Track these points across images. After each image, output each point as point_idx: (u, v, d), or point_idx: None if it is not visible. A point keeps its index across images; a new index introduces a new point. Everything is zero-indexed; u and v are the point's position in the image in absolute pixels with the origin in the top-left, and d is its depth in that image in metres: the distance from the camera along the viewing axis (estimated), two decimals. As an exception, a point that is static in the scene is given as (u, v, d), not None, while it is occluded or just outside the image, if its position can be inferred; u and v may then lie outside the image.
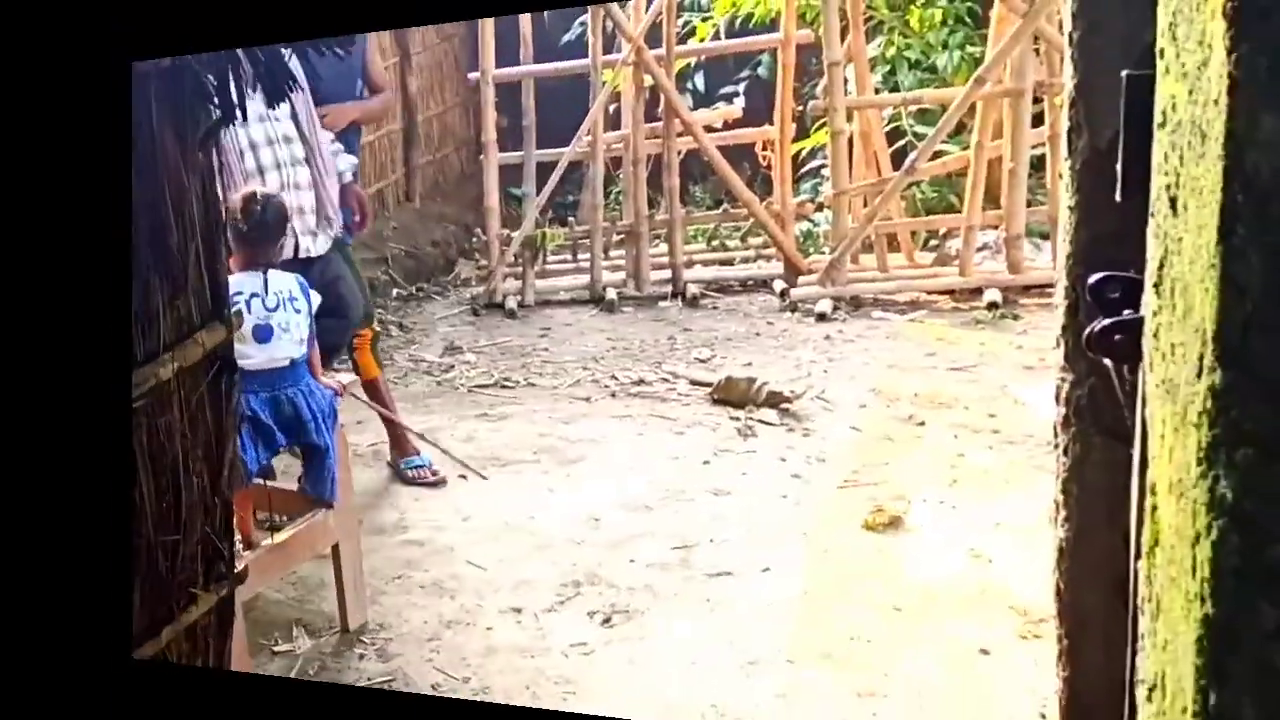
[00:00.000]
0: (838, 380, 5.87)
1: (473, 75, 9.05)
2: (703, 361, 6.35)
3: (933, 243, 8.08)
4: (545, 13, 10.34)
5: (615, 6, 8.23)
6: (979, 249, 7.25)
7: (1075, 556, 2.17)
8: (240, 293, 4.01)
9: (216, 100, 2.57)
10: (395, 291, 9.01)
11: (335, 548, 4.23)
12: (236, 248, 4.07)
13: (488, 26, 8.49)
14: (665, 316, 7.48)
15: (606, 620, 4.02)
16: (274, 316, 4.14)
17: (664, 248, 8.24)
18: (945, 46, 8.53)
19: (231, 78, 2.53)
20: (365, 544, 4.48)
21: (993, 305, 6.73)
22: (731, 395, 5.63)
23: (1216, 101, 1.04)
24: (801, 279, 7.38)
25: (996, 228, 7.24)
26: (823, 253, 7.78)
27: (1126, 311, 1.61)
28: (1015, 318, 6.66)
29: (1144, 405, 1.41)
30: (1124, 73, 1.54)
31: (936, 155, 7.36)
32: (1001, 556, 4.08)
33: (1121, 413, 1.73)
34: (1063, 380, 2.20)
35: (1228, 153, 1.01)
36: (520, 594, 4.26)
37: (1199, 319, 1.10)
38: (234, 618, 2.98)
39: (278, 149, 4.81)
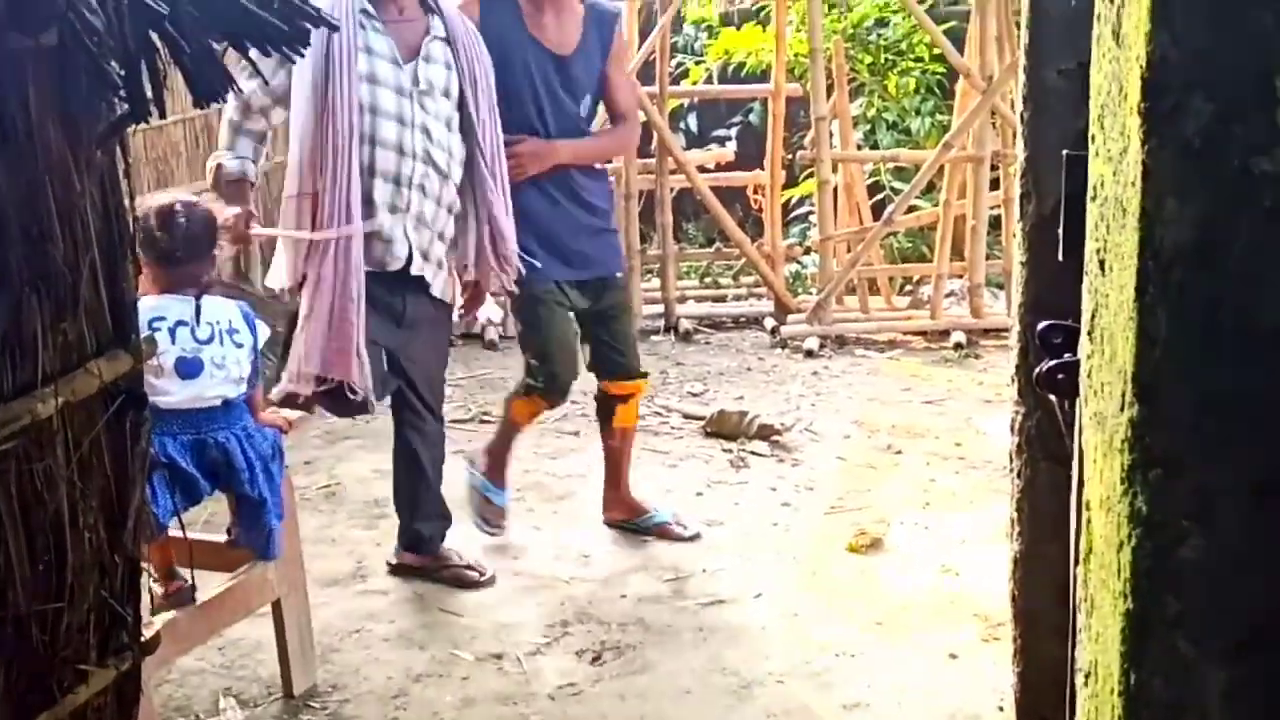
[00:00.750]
0: (824, 413, 5.89)
1: None
2: (695, 395, 6.19)
3: (908, 287, 8.19)
4: None
5: None
6: (947, 295, 7.36)
7: (1027, 566, 2.28)
8: (162, 318, 3.19)
9: (123, 93, 1.94)
10: None
11: (276, 604, 3.46)
12: (158, 266, 3.25)
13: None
14: (658, 350, 7.10)
15: (596, 658, 3.65)
16: (206, 350, 3.26)
17: (656, 282, 7.82)
18: (918, 112, 8.70)
19: (145, 67, 1.90)
20: (315, 597, 3.77)
21: (958, 345, 6.85)
22: (724, 428, 5.57)
23: (1134, 183, 1.15)
24: (791, 317, 7.46)
25: (961, 276, 7.36)
26: (810, 293, 7.84)
27: (1068, 355, 1.71)
28: (977, 357, 6.76)
29: (1080, 434, 1.52)
30: (1064, 152, 1.65)
31: (911, 209, 7.48)
32: (967, 569, 4.17)
33: (1064, 441, 1.84)
34: (1016, 413, 2.31)
35: (1141, 227, 1.13)
36: (501, 638, 3.76)
37: (1121, 363, 1.21)
38: (139, 695, 2.30)
39: (413, 108, 3.71)
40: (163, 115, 1.94)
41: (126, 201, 2.15)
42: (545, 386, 4.28)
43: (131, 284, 2.19)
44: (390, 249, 3.74)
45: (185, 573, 3.30)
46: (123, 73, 1.84)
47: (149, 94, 1.85)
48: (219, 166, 3.72)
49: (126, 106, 1.92)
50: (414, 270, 3.78)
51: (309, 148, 3.62)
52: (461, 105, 3.80)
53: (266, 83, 3.58)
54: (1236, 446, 1.13)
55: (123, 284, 2.15)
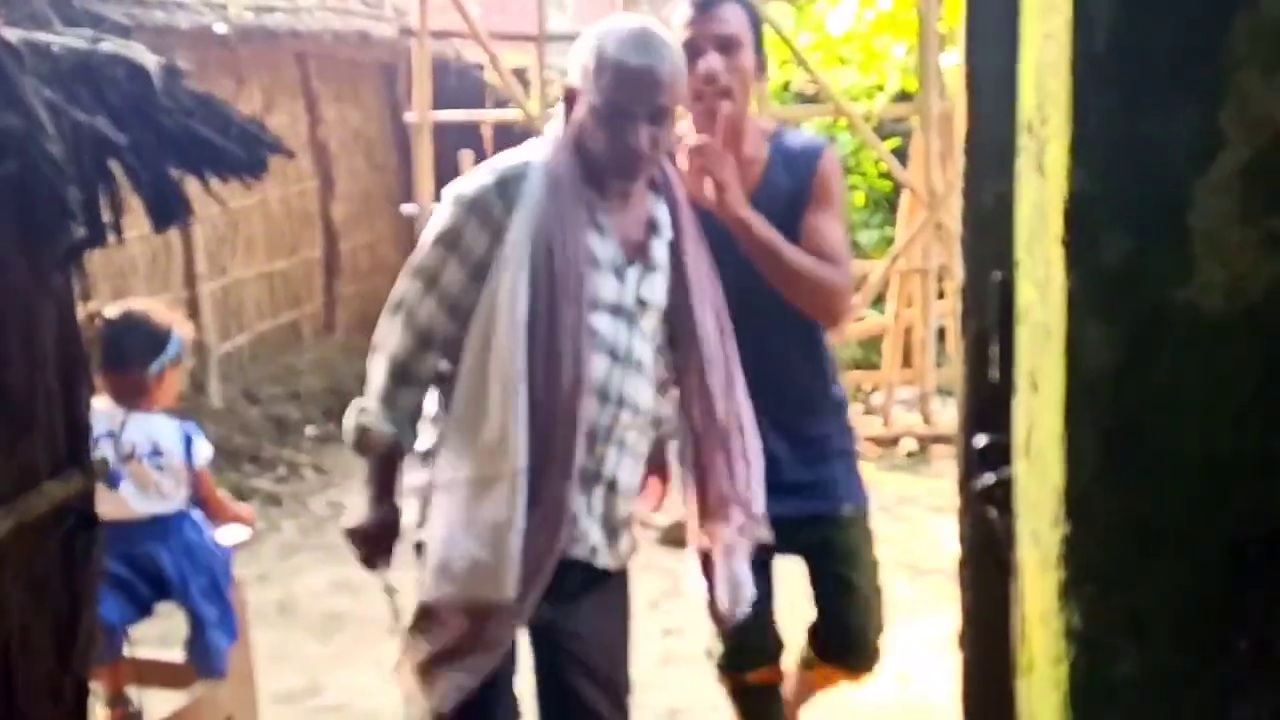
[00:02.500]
0: (778, 521, 5.89)
1: (407, 207, 8.12)
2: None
3: (859, 395, 8.27)
4: (488, 153, 9.25)
5: None
6: (898, 403, 7.43)
7: (974, 677, 2.28)
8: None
9: (81, 219, 1.88)
10: (311, 430, 7.56)
11: None
12: (97, 372, 3.10)
13: (424, 160, 7.82)
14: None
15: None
16: (126, 466, 3.20)
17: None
18: (866, 225, 8.86)
19: (103, 193, 1.90)
20: (267, 714, 3.70)
21: (910, 453, 6.90)
22: (680, 537, 5.56)
23: (1058, 309, 1.19)
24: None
25: (912, 384, 7.44)
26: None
27: (1005, 469, 1.74)
28: (928, 463, 6.81)
29: (1018, 549, 1.54)
30: (996, 275, 1.70)
31: (860, 319, 7.59)
32: (921, 677, 4.16)
33: (1006, 554, 1.86)
34: (961, 524, 2.34)
35: (1067, 351, 1.16)
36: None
37: (1052, 480, 1.23)
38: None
39: (630, 336, 2.57)
40: (120, 240, 1.92)
41: (82, 319, 2.19)
42: (724, 661, 3.11)
43: (87, 404, 2.22)
44: (574, 531, 2.51)
45: (134, 696, 3.29)
46: (81, 199, 1.81)
47: (107, 220, 1.88)
48: (365, 431, 2.50)
49: (84, 231, 1.89)
50: (599, 563, 2.59)
51: (501, 407, 2.40)
52: (678, 320, 2.64)
53: (453, 303, 2.46)
54: (1165, 564, 1.16)
55: (78, 404, 2.18)
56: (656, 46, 2.46)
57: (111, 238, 1.94)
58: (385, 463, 2.55)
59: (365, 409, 2.51)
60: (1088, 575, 1.18)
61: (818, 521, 2.97)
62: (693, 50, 2.78)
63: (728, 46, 2.84)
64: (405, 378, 2.50)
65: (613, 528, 2.59)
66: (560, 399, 2.41)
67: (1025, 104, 1.34)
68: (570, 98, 2.51)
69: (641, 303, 2.56)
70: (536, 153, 2.51)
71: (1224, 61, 1.09)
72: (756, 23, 2.95)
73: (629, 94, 2.42)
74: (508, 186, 2.45)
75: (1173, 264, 1.11)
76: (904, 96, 8.03)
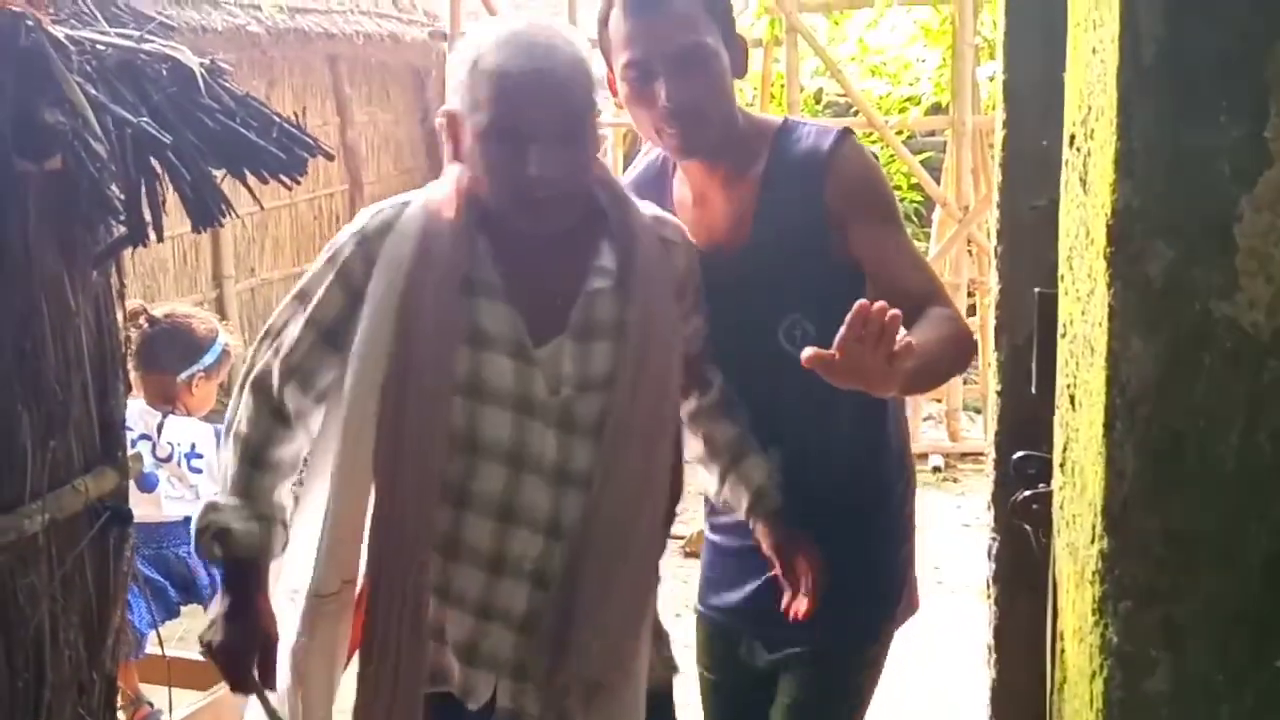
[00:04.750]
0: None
1: None
2: (676, 514, 6.17)
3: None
4: None
5: None
6: (925, 419, 7.42)
7: (1002, 694, 2.29)
8: (130, 428, 2.91)
9: (122, 217, 1.95)
10: None
11: None
12: (134, 372, 3.09)
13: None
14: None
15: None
16: (164, 468, 3.21)
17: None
18: (896, 239, 8.86)
19: (144, 192, 1.91)
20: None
21: (936, 469, 6.89)
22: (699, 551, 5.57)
23: (1101, 323, 1.20)
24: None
25: (939, 401, 7.43)
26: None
27: (1042, 485, 1.75)
28: (955, 480, 6.79)
29: (1054, 564, 1.55)
30: (1036, 290, 1.71)
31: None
32: (949, 692, 4.16)
33: (1039, 570, 1.87)
34: (993, 540, 2.34)
35: (1108, 365, 1.17)
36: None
37: (1091, 495, 1.24)
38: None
39: (543, 436, 1.98)
40: (160, 239, 1.96)
41: (120, 320, 2.21)
42: None
43: (121, 402, 2.25)
44: (469, 675, 2.02)
45: (152, 697, 3.33)
46: (123, 198, 1.89)
47: (148, 218, 1.93)
48: (220, 533, 1.98)
49: (124, 230, 1.99)
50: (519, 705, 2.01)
51: (351, 506, 1.96)
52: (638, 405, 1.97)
53: (303, 376, 1.99)
54: (1203, 578, 1.16)
55: (112, 401, 2.21)
56: (546, 44, 1.89)
57: (151, 238, 1.99)
58: (246, 566, 2.00)
59: (216, 505, 2.00)
60: (1125, 590, 1.19)
61: (811, 655, 2.31)
62: (641, 72, 2.11)
63: (688, 60, 2.09)
64: (261, 462, 1.99)
65: (534, 675, 1.97)
66: (402, 516, 1.90)
67: (1070, 117, 1.35)
68: (452, 127, 1.95)
69: (565, 389, 1.93)
70: (415, 200, 1.98)
71: (1271, 76, 1.09)
72: (719, 4, 2.19)
73: (517, 111, 1.85)
74: (370, 242, 1.93)
75: (1216, 279, 1.12)
76: (937, 109, 8.02)
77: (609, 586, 1.96)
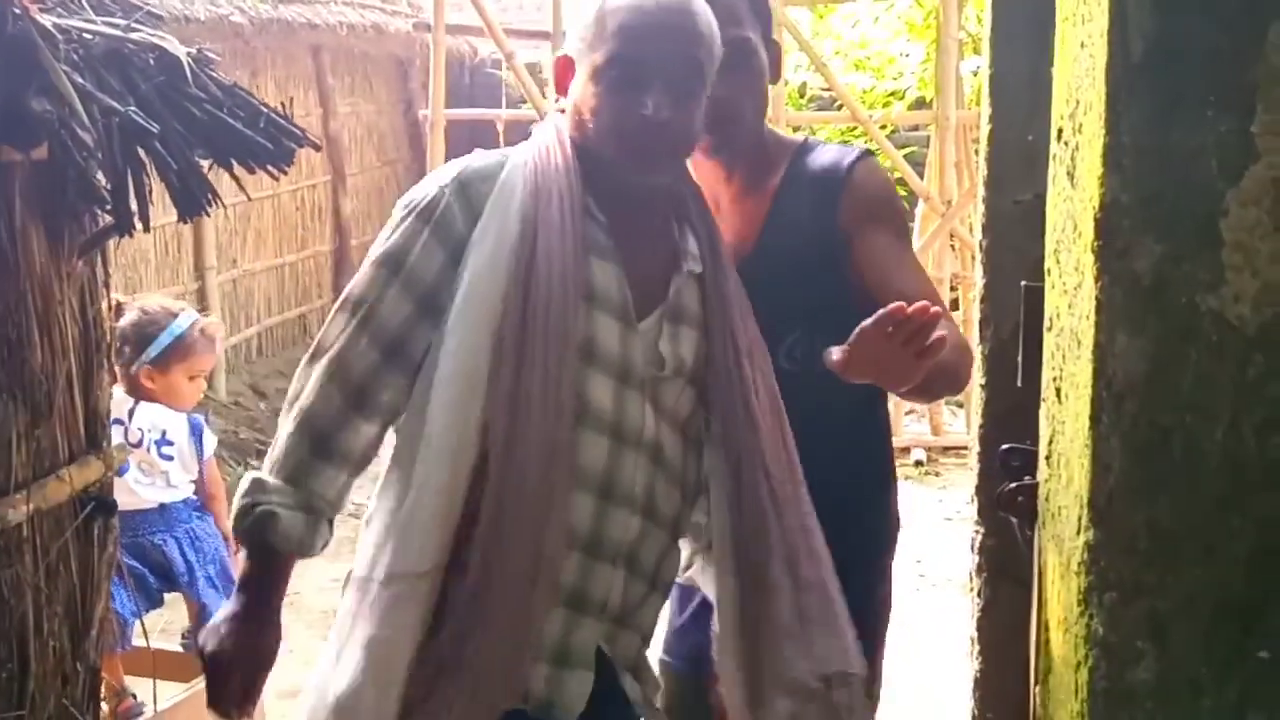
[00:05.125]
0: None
1: None
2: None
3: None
4: None
5: None
6: (907, 412, 7.44)
7: (986, 685, 2.30)
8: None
9: (109, 206, 1.92)
10: None
11: None
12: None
13: (438, 158, 7.64)
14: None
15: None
16: (133, 455, 3.23)
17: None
18: (879, 232, 8.87)
19: (131, 182, 1.88)
20: (272, 708, 3.50)
21: (918, 463, 6.91)
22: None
23: (1088, 317, 1.21)
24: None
25: (923, 393, 7.47)
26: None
27: (1027, 477, 1.76)
28: (937, 474, 6.82)
29: (1039, 556, 1.56)
30: (1023, 283, 1.72)
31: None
32: (933, 685, 4.17)
33: (1023, 562, 1.88)
34: (976, 533, 2.35)
35: (1095, 358, 1.18)
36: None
37: (1077, 487, 1.25)
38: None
39: (644, 411, 1.86)
40: (147, 229, 1.95)
41: (106, 310, 2.22)
42: None
43: (106, 392, 2.26)
44: (559, 680, 1.81)
45: (135, 688, 3.33)
46: (109, 187, 1.88)
47: (134, 208, 1.91)
48: (264, 518, 1.77)
49: (110, 219, 1.97)
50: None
51: (451, 480, 1.75)
52: (715, 392, 1.90)
53: (392, 346, 1.80)
54: (1188, 571, 1.17)
55: (97, 391, 2.21)
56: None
57: (138, 227, 1.98)
58: (279, 563, 1.80)
59: (264, 484, 1.78)
60: (1110, 581, 1.20)
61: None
62: None
63: (729, 55, 1.96)
64: (325, 450, 1.78)
65: (623, 670, 1.88)
66: (525, 489, 1.71)
67: (1058, 111, 1.36)
68: (564, 72, 1.87)
69: (661, 365, 1.85)
70: (518, 150, 1.87)
71: (1258, 73, 1.10)
72: (761, 5, 2.16)
73: (643, 45, 1.78)
74: (472, 188, 1.80)
75: (1203, 273, 1.13)
76: (920, 104, 8.04)
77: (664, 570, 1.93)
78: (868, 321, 1.63)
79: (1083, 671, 1.23)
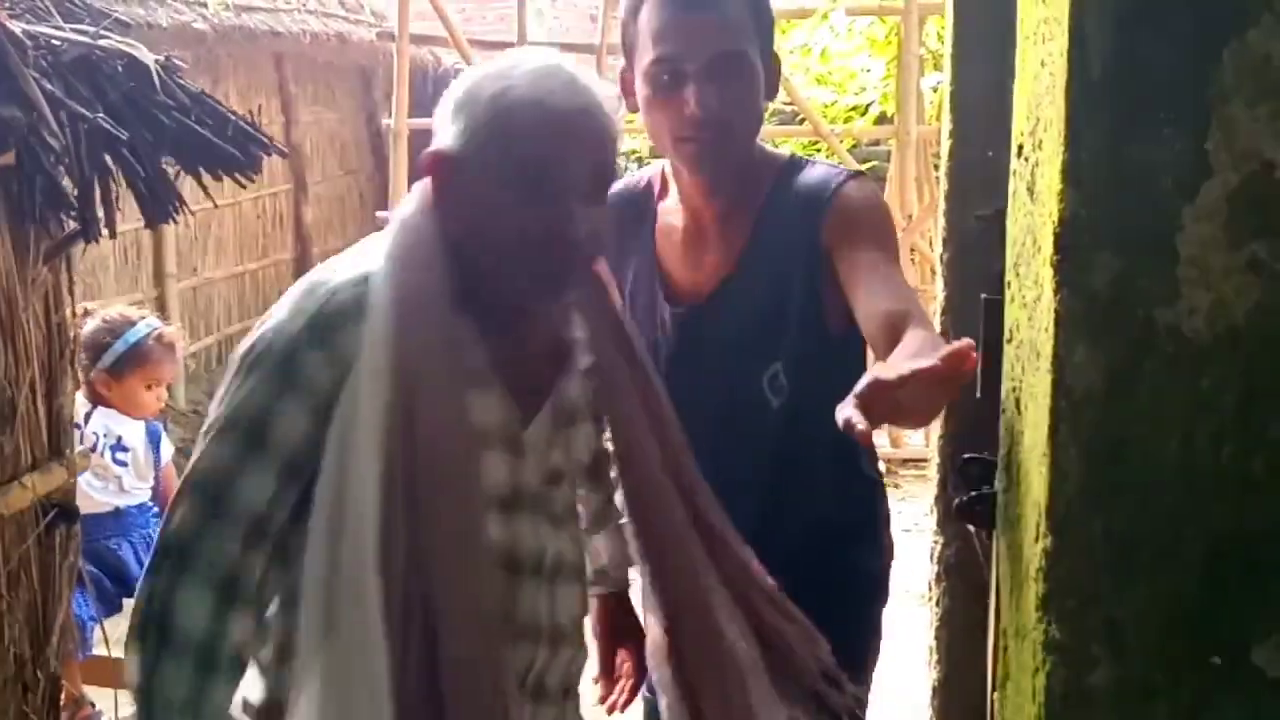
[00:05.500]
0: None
1: (382, 214, 7.93)
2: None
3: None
4: None
5: None
6: (867, 424, 7.49)
7: (945, 693, 2.34)
8: None
9: (75, 212, 1.91)
10: None
11: None
12: None
13: (401, 167, 7.79)
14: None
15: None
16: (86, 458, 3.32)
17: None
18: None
19: (98, 188, 1.87)
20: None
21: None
22: None
23: (1047, 329, 1.23)
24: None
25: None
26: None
27: (985, 487, 1.78)
28: (896, 486, 6.86)
29: (997, 564, 1.59)
30: (983, 296, 1.75)
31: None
32: (891, 694, 4.20)
33: (981, 570, 1.90)
34: (935, 542, 2.39)
35: (1054, 370, 1.21)
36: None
37: (1036, 496, 1.28)
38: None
39: (534, 528, 1.68)
40: (113, 235, 1.93)
41: (70, 316, 2.21)
42: None
43: (70, 399, 2.27)
44: None
45: (93, 698, 3.31)
46: (76, 193, 1.87)
47: (100, 214, 1.91)
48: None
49: (76, 225, 1.96)
50: None
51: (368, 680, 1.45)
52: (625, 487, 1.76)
53: (255, 530, 1.50)
54: (1143, 578, 1.20)
55: (60, 398, 2.21)
56: (586, 85, 1.57)
57: (104, 234, 1.99)
58: None
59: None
60: (1068, 588, 1.22)
61: None
62: (672, 72, 1.93)
63: (728, 68, 1.93)
64: (213, 664, 1.46)
65: None
66: (449, 660, 1.45)
67: (1018, 128, 1.39)
68: (438, 170, 1.57)
69: (552, 479, 1.68)
70: (378, 258, 1.54)
71: (1212, 93, 1.13)
72: (764, 19, 2.02)
73: (558, 145, 1.53)
74: (335, 336, 1.49)
75: (1159, 287, 1.16)
76: (882, 119, 8.11)
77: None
78: (888, 375, 1.44)
79: (1040, 677, 1.26)
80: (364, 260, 1.56)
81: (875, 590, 2.24)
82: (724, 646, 1.71)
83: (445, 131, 1.57)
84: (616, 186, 2.04)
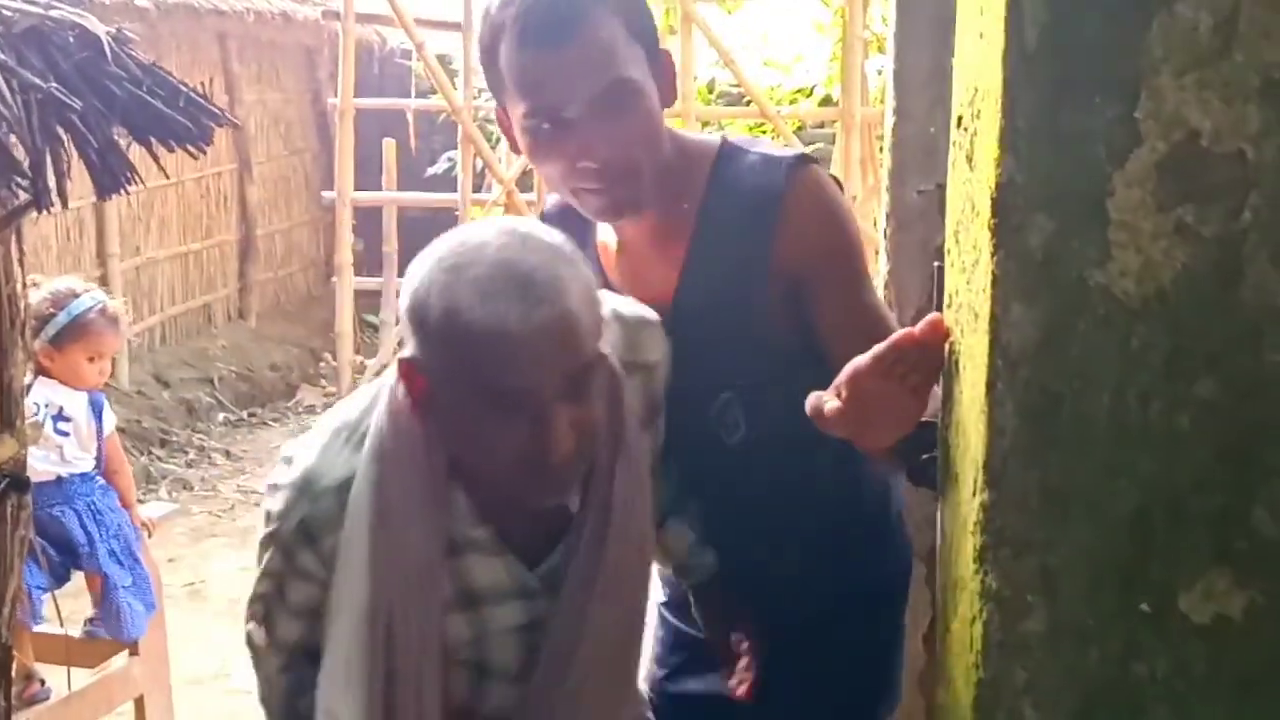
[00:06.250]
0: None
1: (327, 194, 8.38)
2: None
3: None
4: (411, 142, 9.04)
5: (486, 146, 7.99)
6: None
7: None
8: None
9: (27, 181, 1.91)
10: (222, 416, 7.72)
11: (139, 701, 3.40)
12: None
13: (346, 147, 7.93)
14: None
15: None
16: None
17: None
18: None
19: (50, 159, 1.88)
20: (179, 695, 3.65)
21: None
22: None
23: (985, 290, 1.28)
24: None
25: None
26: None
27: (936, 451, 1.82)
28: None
29: (940, 521, 1.64)
30: (935, 264, 1.79)
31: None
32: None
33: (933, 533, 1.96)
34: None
35: (991, 329, 1.25)
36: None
37: (974, 453, 1.33)
38: (4, 792, 2.20)
39: None
40: (65, 205, 1.94)
41: (20, 287, 2.23)
42: None
43: (21, 369, 2.28)
44: None
45: (43, 673, 3.40)
46: (28, 163, 1.86)
47: (52, 184, 1.90)
48: None
49: (27, 196, 1.94)
50: None
51: None
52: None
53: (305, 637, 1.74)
54: (1075, 529, 1.25)
55: (11, 370, 2.22)
56: (544, 280, 1.45)
57: (55, 205, 1.98)
58: None
59: None
60: (1004, 539, 1.27)
61: None
62: (551, 122, 1.72)
63: (610, 104, 1.71)
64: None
65: None
66: None
67: (958, 99, 1.43)
68: (411, 381, 1.54)
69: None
70: (365, 459, 1.59)
71: (1142, 63, 1.18)
72: (641, 19, 1.77)
73: (530, 378, 1.47)
74: (323, 537, 1.62)
75: (1091, 249, 1.21)
76: (826, 102, 8.18)
77: None
78: (863, 359, 1.41)
79: (977, 625, 1.31)
80: (352, 447, 1.62)
81: (900, 585, 2.08)
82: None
83: (407, 329, 1.53)
84: (554, 206, 2.00)
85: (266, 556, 1.69)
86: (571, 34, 1.66)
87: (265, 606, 1.72)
